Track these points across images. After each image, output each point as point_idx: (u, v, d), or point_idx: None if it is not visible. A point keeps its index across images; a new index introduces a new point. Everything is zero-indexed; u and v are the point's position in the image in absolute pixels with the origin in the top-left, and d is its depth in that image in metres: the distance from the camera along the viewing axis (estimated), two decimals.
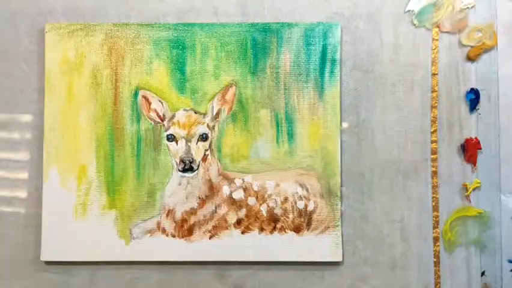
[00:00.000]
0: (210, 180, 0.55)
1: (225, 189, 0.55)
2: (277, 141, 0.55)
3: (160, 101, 0.55)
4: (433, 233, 0.55)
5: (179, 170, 0.55)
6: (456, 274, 0.55)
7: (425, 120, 0.55)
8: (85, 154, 0.55)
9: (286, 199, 0.55)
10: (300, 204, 0.55)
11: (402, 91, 0.56)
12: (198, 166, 0.55)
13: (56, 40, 0.55)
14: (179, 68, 0.55)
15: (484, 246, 0.55)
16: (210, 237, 0.54)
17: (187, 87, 0.55)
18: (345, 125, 0.55)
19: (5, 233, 0.56)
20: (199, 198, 0.55)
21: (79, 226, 0.54)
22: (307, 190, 0.55)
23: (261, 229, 0.54)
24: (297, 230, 0.54)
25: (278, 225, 0.54)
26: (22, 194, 0.56)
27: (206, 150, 0.55)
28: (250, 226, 0.55)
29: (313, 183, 0.55)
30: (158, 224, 0.54)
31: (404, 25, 0.56)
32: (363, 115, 0.56)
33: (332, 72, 0.55)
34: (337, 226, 0.54)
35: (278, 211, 0.55)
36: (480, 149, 0.55)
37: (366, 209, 0.55)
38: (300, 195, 0.55)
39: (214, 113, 0.55)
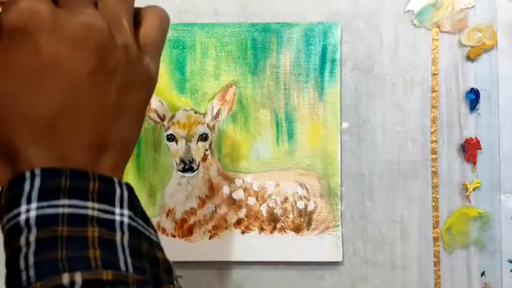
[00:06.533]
0: (210, 180, 0.55)
1: (225, 189, 0.55)
2: (277, 141, 0.55)
3: (160, 101, 0.55)
4: (433, 233, 0.55)
5: (179, 170, 0.55)
6: (456, 274, 0.55)
7: (425, 120, 0.55)
8: None
9: (286, 199, 0.55)
10: (300, 204, 0.54)
11: (402, 91, 0.56)
12: (198, 166, 0.55)
13: None
14: (179, 68, 0.55)
15: (484, 246, 0.55)
16: (210, 237, 0.54)
17: (187, 87, 0.55)
18: (345, 125, 0.55)
19: None
20: (199, 198, 0.55)
21: None
22: (307, 190, 0.55)
23: (261, 229, 0.54)
24: (297, 230, 0.54)
25: (278, 225, 0.54)
26: None
27: (206, 150, 0.55)
28: (250, 226, 0.54)
29: (313, 183, 0.55)
30: (159, 224, 0.54)
31: (404, 25, 0.56)
32: (363, 115, 0.56)
33: (332, 72, 0.55)
34: (337, 226, 0.54)
35: (278, 211, 0.54)
36: (480, 149, 0.55)
37: (366, 209, 0.55)
38: (300, 195, 0.55)
39: (214, 113, 0.55)
